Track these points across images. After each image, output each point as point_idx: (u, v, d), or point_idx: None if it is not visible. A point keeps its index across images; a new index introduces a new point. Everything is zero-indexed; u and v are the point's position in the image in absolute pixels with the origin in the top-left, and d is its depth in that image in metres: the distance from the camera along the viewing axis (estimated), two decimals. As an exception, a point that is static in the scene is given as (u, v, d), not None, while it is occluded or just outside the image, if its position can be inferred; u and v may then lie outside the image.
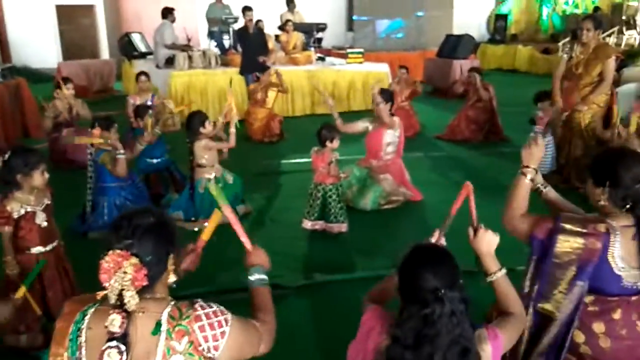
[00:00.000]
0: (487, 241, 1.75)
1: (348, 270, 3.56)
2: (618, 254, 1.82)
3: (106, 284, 1.27)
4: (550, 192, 2.16)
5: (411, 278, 1.52)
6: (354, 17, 13.83)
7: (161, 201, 4.54)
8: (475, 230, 1.78)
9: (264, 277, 1.75)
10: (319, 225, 4.11)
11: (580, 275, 1.85)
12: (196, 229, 4.12)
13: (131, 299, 1.26)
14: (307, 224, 4.10)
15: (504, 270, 1.74)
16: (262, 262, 1.78)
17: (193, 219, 4.24)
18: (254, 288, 1.72)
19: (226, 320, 1.38)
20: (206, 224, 4.33)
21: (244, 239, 1.78)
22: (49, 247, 2.64)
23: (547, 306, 1.91)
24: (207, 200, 4.28)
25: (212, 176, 4.32)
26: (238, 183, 4.51)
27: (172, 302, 1.37)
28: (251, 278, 1.74)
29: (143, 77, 6.05)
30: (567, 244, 1.86)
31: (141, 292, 1.29)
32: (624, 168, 1.83)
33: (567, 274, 1.87)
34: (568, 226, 1.86)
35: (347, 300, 3.19)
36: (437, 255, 1.55)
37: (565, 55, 5.05)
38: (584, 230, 1.84)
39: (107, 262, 1.27)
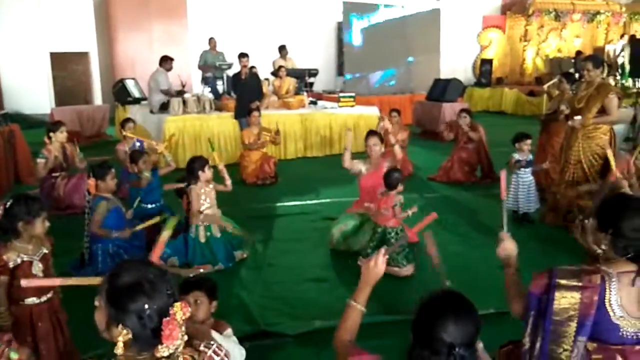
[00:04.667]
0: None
1: (347, 315, 3.49)
2: (615, 301, 1.80)
3: (171, 343, 1.28)
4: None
5: (431, 325, 1.48)
6: (346, 77, 13.57)
7: (156, 247, 4.47)
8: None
9: None
10: None
11: (580, 331, 1.82)
12: (191, 275, 4.06)
13: (182, 339, 1.31)
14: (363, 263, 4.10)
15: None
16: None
17: (186, 263, 4.19)
18: None
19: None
20: (201, 269, 4.30)
21: None
22: (43, 299, 2.57)
23: None
24: (198, 248, 4.25)
25: (202, 224, 4.30)
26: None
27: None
28: None
29: (130, 124, 6.23)
30: (564, 300, 1.84)
31: None
32: (628, 218, 1.84)
33: (568, 330, 1.84)
34: (563, 281, 1.86)
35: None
36: (462, 309, 1.51)
37: (570, 92, 5.20)
38: (580, 284, 1.84)
39: (178, 314, 1.29)
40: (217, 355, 1.43)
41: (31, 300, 2.53)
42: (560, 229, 4.93)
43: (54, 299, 2.64)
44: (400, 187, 4.08)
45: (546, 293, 1.88)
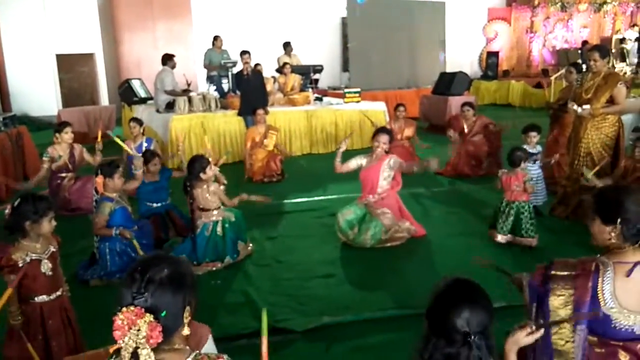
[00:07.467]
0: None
1: (355, 311, 3.49)
2: (608, 291, 1.78)
3: (120, 342, 1.24)
4: None
5: (445, 314, 1.47)
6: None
7: (163, 246, 4.49)
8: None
9: None
10: (508, 238, 4.52)
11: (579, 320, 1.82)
12: (200, 273, 4.07)
13: (147, 358, 1.23)
14: (499, 237, 4.53)
15: None
16: None
17: (195, 263, 4.19)
18: None
19: None
20: (210, 267, 4.29)
21: None
22: (53, 296, 2.59)
23: None
24: (212, 244, 4.26)
25: (219, 219, 4.33)
26: (239, 217, 4.50)
27: (193, 354, 1.34)
28: None
29: (132, 123, 6.24)
30: (561, 292, 1.84)
31: (157, 345, 1.26)
32: (635, 203, 1.84)
33: (566, 323, 1.85)
34: (559, 273, 1.86)
35: (355, 342, 3.13)
36: (476, 297, 1.51)
37: (575, 82, 5.14)
38: (574, 273, 1.84)
39: (121, 319, 1.24)
40: None
41: (41, 298, 2.55)
42: (570, 222, 4.90)
43: (63, 296, 2.66)
44: (524, 164, 4.51)
45: (543, 284, 1.87)
